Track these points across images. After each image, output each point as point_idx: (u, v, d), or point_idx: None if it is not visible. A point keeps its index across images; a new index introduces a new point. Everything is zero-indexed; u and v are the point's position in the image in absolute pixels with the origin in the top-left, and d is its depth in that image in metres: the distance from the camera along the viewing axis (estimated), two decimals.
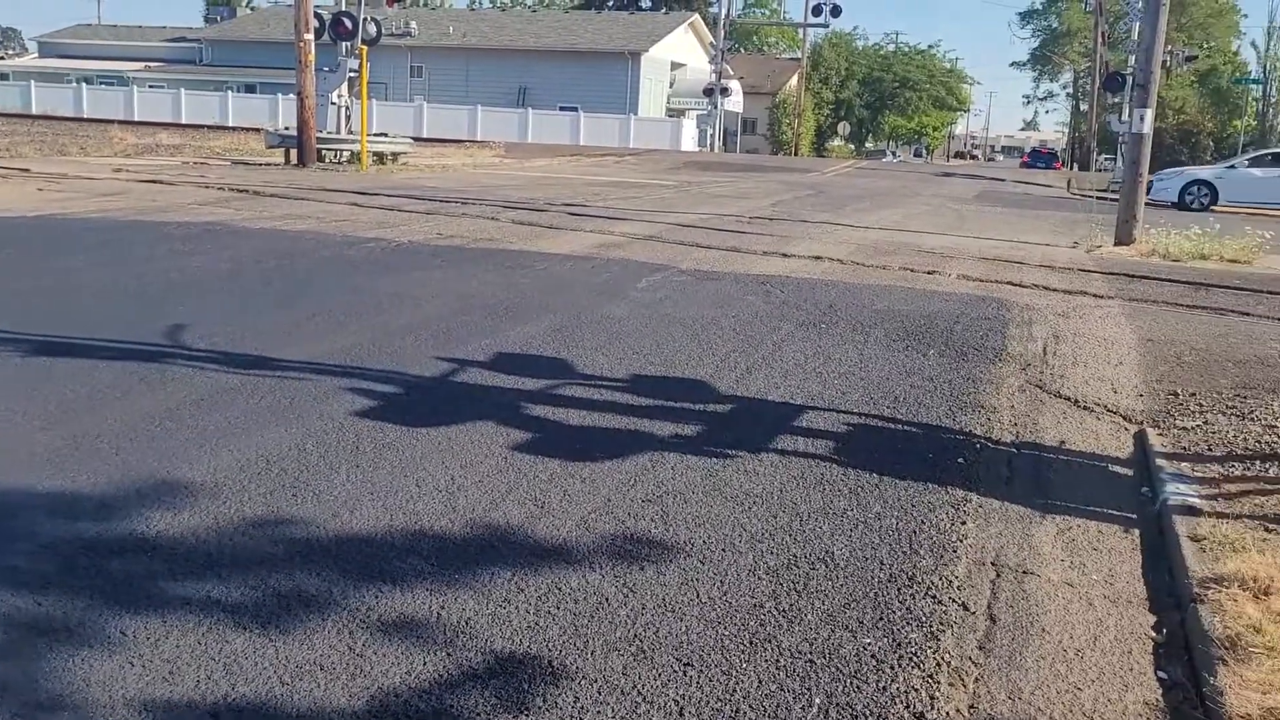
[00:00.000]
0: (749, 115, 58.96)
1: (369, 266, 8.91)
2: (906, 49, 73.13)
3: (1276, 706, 2.59)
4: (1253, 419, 5.30)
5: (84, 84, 53.73)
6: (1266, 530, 3.81)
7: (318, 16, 20.95)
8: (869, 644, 2.97)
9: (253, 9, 69.32)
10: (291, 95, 21.76)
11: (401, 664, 2.73)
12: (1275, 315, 8.61)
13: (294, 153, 21.30)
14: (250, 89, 51.00)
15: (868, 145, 73.86)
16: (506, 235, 11.41)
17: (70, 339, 5.83)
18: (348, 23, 21.00)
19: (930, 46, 74.83)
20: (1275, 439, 4.96)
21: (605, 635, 2.94)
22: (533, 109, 47.42)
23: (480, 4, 75.81)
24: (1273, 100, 53.65)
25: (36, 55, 63.78)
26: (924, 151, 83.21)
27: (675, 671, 2.78)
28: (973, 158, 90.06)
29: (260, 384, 5.12)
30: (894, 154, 74.86)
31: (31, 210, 11.82)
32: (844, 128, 67.72)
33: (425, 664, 2.74)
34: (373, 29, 21.46)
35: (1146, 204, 14.47)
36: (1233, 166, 25.12)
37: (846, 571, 3.43)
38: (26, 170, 17.06)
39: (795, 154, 54.38)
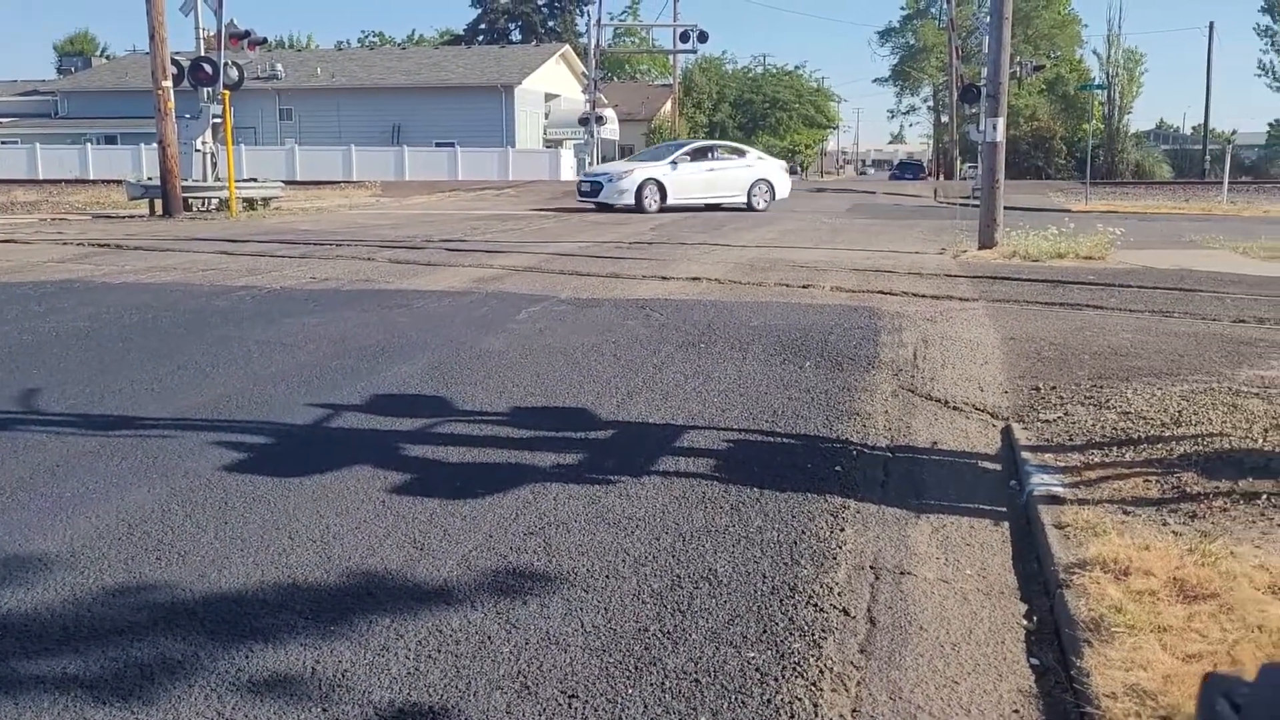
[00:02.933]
0: (626, 142, 59.45)
1: (239, 315, 8.65)
2: (774, 70, 74.94)
3: (1138, 683, 2.69)
4: (1109, 407, 5.54)
5: None
6: (1125, 514, 3.98)
7: (175, 63, 20.38)
8: (753, 658, 2.99)
9: (108, 58, 67.00)
10: (154, 145, 21.06)
11: None
12: (1126, 307, 9.06)
13: (159, 203, 20.63)
14: (111, 140, 49.20)
15: None
16: (383, 275, 11.24)
17: None
18: (207, 68, 20.46)
19: (797, 67, 76.78)
20: (1130, 425, 5.20)
21: (488, 674, 2.88)
22: (408, 146, 46.95)
23: (348, 43, 74.88)
24: (1117, 104, 56.60)
25: None
26: (799, 169, 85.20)
27: (560, 704, 2.74)
28: (842, 173, 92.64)
29: (121, 445, 4.91)
30: None
31: None
32: None
33: None
34: (235, 73, 20.96)
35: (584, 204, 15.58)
36: (675, 163, 23.45)
37: (730, 587, 3.45)
38: None
39: None
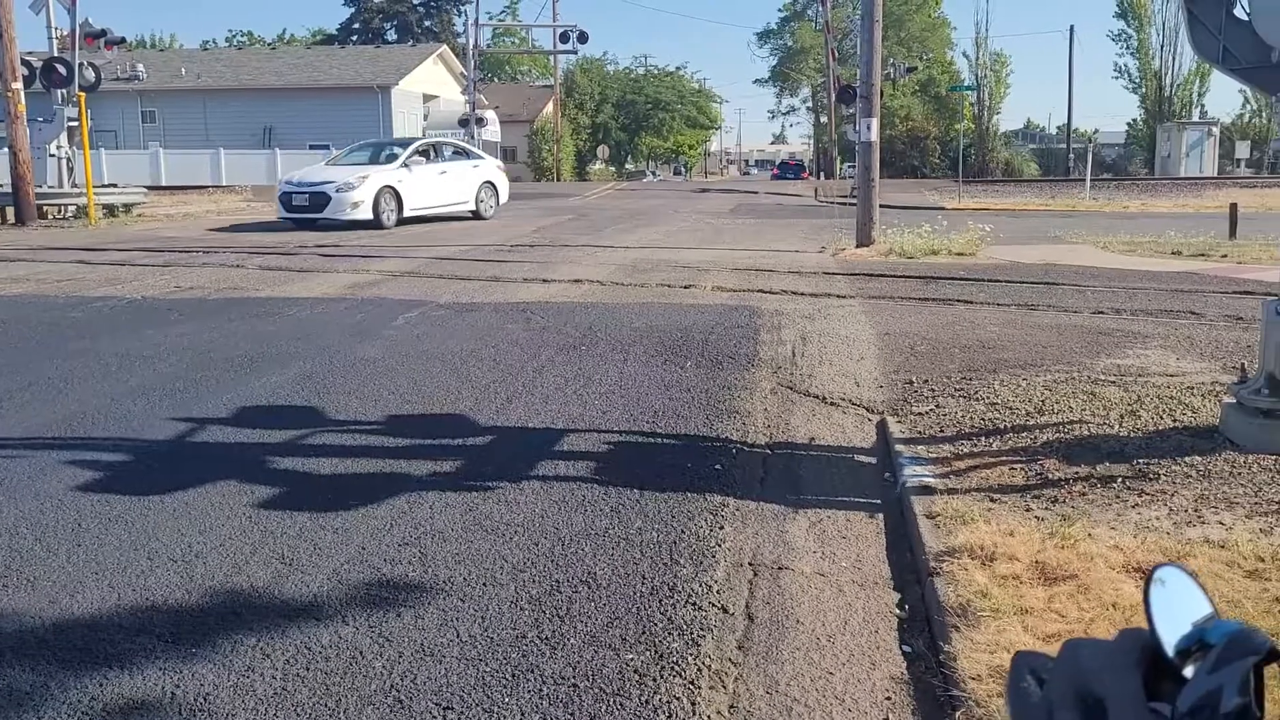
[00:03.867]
0: (508, 144, 59.08)
1: (96, 327, 8.25)
2: (656, 71, 75.53)
3: (1002, 664, 2.77)
4: (977, 399, 5.73)
5: None
6: (991, 501, 4.11)
7: (26, 64, 19.35)
8: (631, 659, 2.97)
9: None
10: (3, 150, 19.96)
11: None
12: (995, 301, 9.40)
13: (10, 211, 19.54)
14: None
15: (628, 167, 75.62)
16: (252, 282, 10.87)
17: None
18: (61, 69, 19.49)
19: (679, 68, 77.43)
20: (997, 415, 5.38)
21: (359, 690, 2.80)
22: (280, 149, 45.58)
23: (215, 43, 72.43)
24: (986, 104, 58.85)
25: None
26: (684, 170, 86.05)
27: (435, 717, 2.68)
28: (726, 173, 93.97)
29: None
30: (654, 174, 76.99)
31: None
32: (603, 151, 69.06)
33: None
34: (91, 75, 20.02)
35: None
36: (408, 165, 19.30)
37: (609, 590, 3.43)
38: None
39: (557, 179, 54.98)
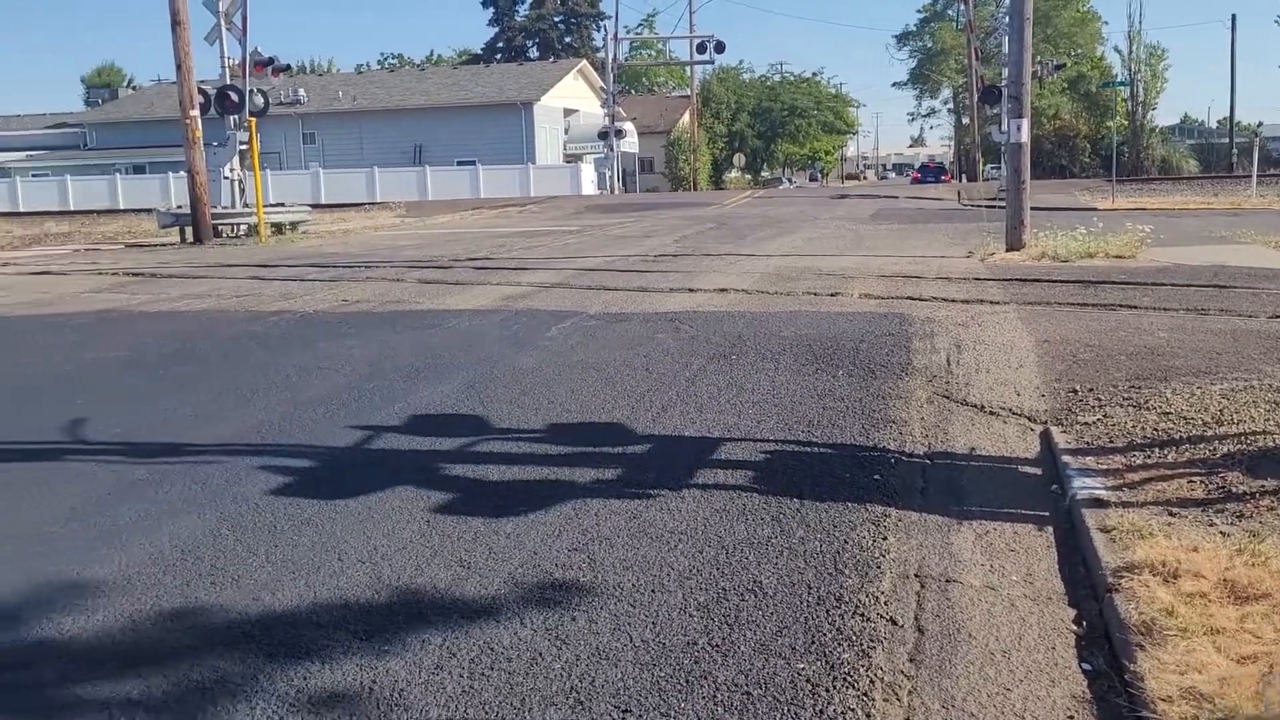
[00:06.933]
0: (645, 154, 59.72)
1: (275, 340, 8.77)
2: (792, 78, 74.99)
3: (1193, 686, 2.69)
4: (1148, 408, 5.51)
5: None
6: (1170, 515, 3.97)
7: (202, 92, 20.69)
8: (803, 669, 3.00)
9: (134, 89, 68.03)
10: (182, 173, 21.36)
11: None
12: (1161, 306, 9.00)
13: (189, 231, 20.91)
14: (139, 170, 49.92)
15: (764, 174, 75.29)
16: (413, 295, 11.34)
17: None
18: (234, 96, 20.75)
19: (815, 74, 76.77)
20: (1171, 425, 5.17)
21: (541, 691, 2.92)
22: (430, 166, 47.30)
23: (369, 66, 75.59)
24: (1140, 100, 56.26)
25: None
26: (819, 175, 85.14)
27: (614, 719, 2.77)
28: (864, 178, 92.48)
29: (169, 472, 4.99)
30: (790, 180, 76.45)
31: None
32: (739, 159, 68.99)
33: None
34: (260, 100, 21.24)
35: None
36: None
37: (776, 599, 3.47)
38: None
39: (694, 189, 55.18)
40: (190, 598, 3.57)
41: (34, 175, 51.95)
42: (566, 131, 54.38)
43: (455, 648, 3.17)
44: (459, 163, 47.63)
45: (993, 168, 51.16)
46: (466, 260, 15.32)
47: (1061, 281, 10.84)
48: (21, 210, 44.04)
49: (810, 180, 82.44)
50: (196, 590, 3.63)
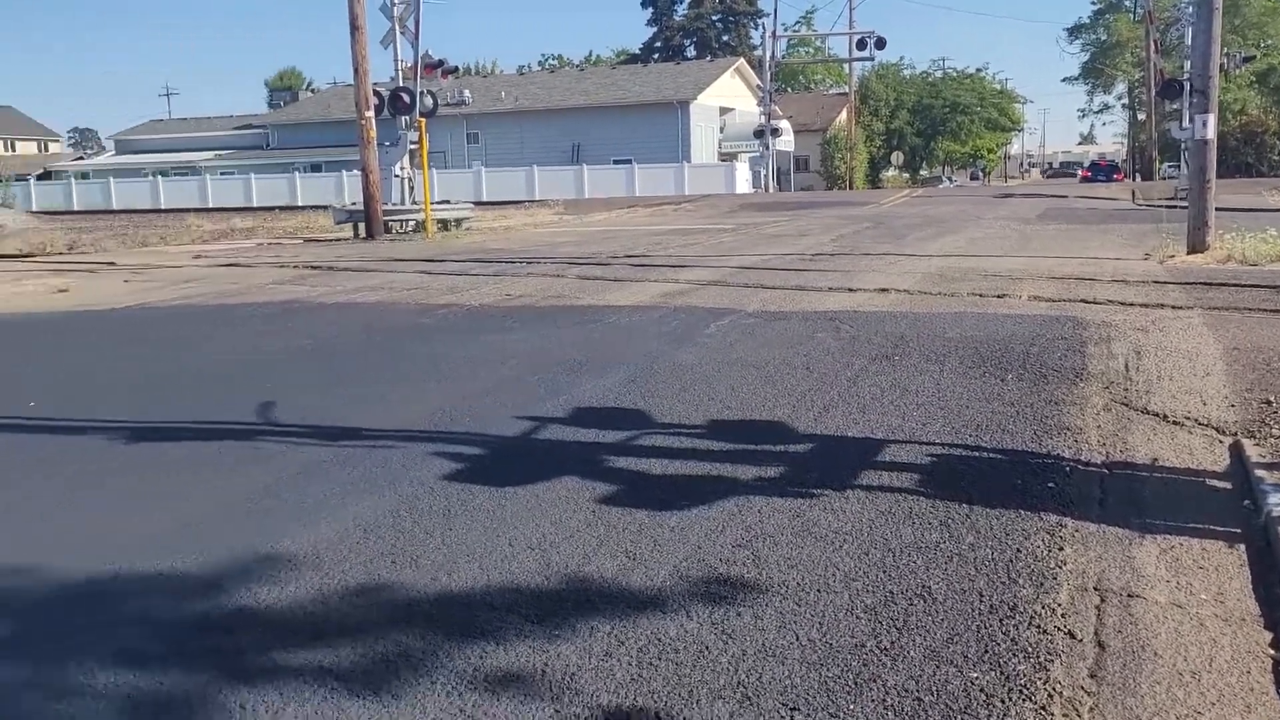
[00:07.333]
0: (801, 153, 59.13)
1: (444, 332, 9.11)
2: (955, 74, 72.84)
3: None
4: None
5: (159, 176, 56.04)
6: None
7: (377, 94, 21.62)
8: (976, 678, 2.93)
9: (312, 91, 71.71)
10: (355, 171, 22.45)
11: None
12: None
13: (361, 226, 21.91)
14: (316, 168, 52.65)
15: (923, 173, 73.41)
16: (574, 291, 11.58)
17: (166, 423, 6.05)
18: (406, 97, 21.62)
19: (979, 69, 74.39)
20: None
21: (709, 683, 2.95)
22: (587, 165, 48.13)
23: (530, 67, 77.45)
24: None
25: (113, 153, 66.75)
26: (981, 174, 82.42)
27: (782, 716, 2.78)
28: (1027, 176, 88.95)
29: (351, 455, 5.26)
30: (950, 179, 74.28)
31: (120, 302, 12.32)
32: (898, 157, 67.47)
33: None
34: (429, 101, 22.06)
35: None
36: None
37: (945, 605, 3.40)
38: (112, 263, 17.79)
39: (850, 187, 54.30)
40: (373, 575, 3.76)
41: (221, 174, 55.51)
42: (722, 130, 54.36)
43: (623, 636, 3.23)
44: (615, 161, 48.29)
45: (1170, 166, 48.41)
46: (624, 257, 15.53)
47: (1251, 286, 10.19)
48: (210, 206, 47.14)
49: (971, 179, 79.90)
50: (379, 568, 3.82)
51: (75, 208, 52.38)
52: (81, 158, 72.73)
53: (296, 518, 4.36)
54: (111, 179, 56.63)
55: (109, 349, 9.16)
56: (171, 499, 4.69)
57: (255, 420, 6.09)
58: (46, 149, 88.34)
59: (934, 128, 69.67)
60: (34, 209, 49.33)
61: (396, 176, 22.54)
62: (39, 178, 60.02)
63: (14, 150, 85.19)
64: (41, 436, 5.96)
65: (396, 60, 22.07)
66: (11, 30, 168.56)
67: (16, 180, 57.37)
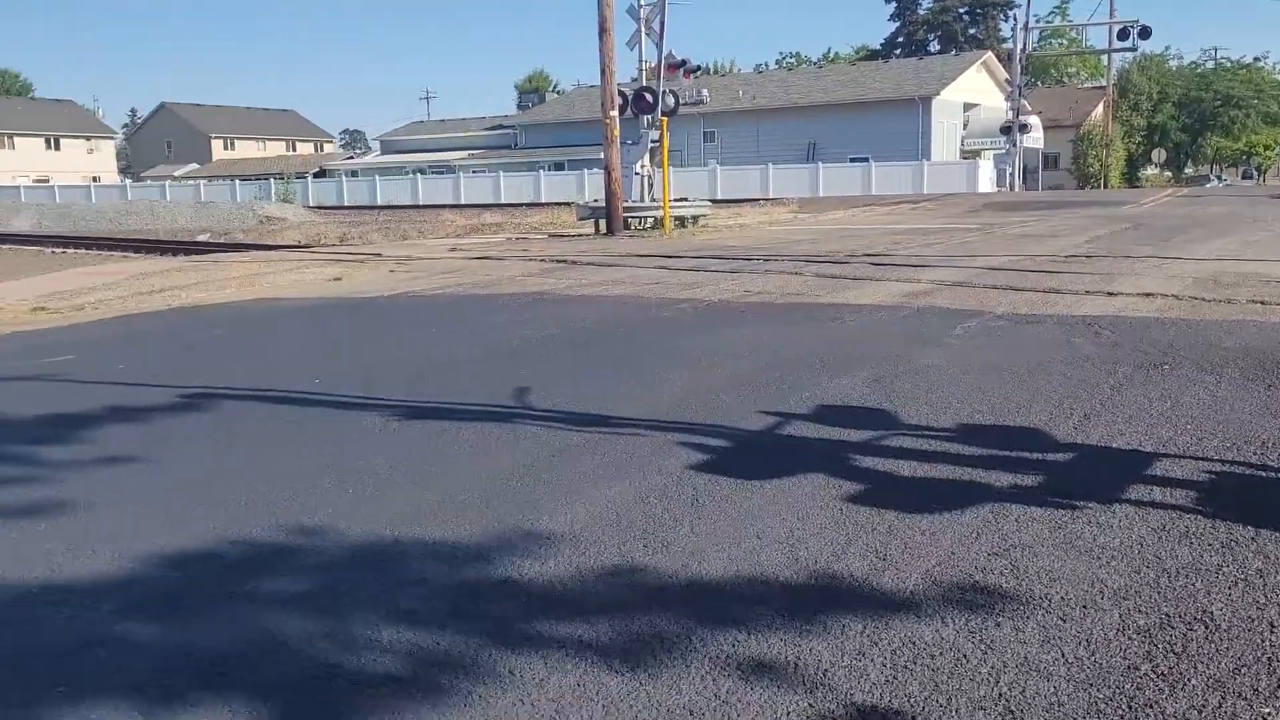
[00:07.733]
0: (1050, 150, 56.07)
1: (683, 326, 9.27)
2: (1228, 64, 66.87)
3: None
4: None
5: (418, 175, 60.10)
6: None
7: (621, 94, 22.23)
8: (1269, 714, 2.71)
9: (558, 92, 74.65)
10: (595, 170, 23.27)
11: (767, 712, 2.80)
12: None
13: (602, 223, 22.60)
14: (558, 167, 54.83)
15: (1187, 171, 67.85)
16: (811, 289, 11.49)
17: (433, 403, 6.49)
18: (649, 97, 22.12)
19: (1256, 59, 67.87)
20: None
21: (968, 693, 2.87)
22: (822, 163, 47.57)
23: (767, 66, 77.35)
24: None
25: (379, 153, 72.19)
26: (1255, 173, 75.33)
27: None
28: None
29: (599, 440, 5.46)
30: (1220, 178, 68.29)
31: (388, 290, 13.29)
32: (1159, 154, 62.70)
33: (790, 713, 2.80)
34: (671, 101, 22.48)
35: None
36: None
37: (1230, 634, 3.15)
38: (379, 254, 19.22)
39: (1104, 186, 50.96)
40: (626, 557, 3.89)
41: (473, 172, 58.79)
42: (965, 126, 52.37)
43: (876, 637, 3.20)
44: (851, 159, 47.50)
45: None
46: (862, 256, 15.26)
47: None
48: (463, 203, 50.04)
49: (1244, 178, 73.13)
50: (632, 551, 3.95)
51: (345, 203, 57.05)
52: (351, 157, 79.01)
53: (552, 497, 4.57)
54: (377, 177, 61.19)
55: (380, 333, 9.89)
56: (440, 474, 5.02)
57: (512, 404, 6.42)
58: (321, 149, 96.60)
59: (1202, 123, 64.29)
60: (310, 204, 54.17)
61: (637, 174, 23.11)
62: (315, 175, 65.72)
63: (294, 150, 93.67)
64: (328, 411, 6.52)
65: (641, 61, 22.62)
66: (294, 39, 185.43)
67: (296, 178, 63.17)
